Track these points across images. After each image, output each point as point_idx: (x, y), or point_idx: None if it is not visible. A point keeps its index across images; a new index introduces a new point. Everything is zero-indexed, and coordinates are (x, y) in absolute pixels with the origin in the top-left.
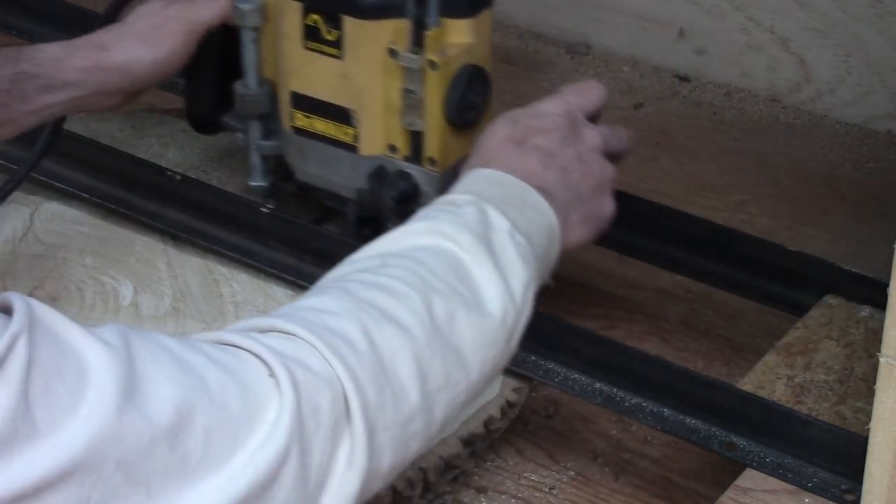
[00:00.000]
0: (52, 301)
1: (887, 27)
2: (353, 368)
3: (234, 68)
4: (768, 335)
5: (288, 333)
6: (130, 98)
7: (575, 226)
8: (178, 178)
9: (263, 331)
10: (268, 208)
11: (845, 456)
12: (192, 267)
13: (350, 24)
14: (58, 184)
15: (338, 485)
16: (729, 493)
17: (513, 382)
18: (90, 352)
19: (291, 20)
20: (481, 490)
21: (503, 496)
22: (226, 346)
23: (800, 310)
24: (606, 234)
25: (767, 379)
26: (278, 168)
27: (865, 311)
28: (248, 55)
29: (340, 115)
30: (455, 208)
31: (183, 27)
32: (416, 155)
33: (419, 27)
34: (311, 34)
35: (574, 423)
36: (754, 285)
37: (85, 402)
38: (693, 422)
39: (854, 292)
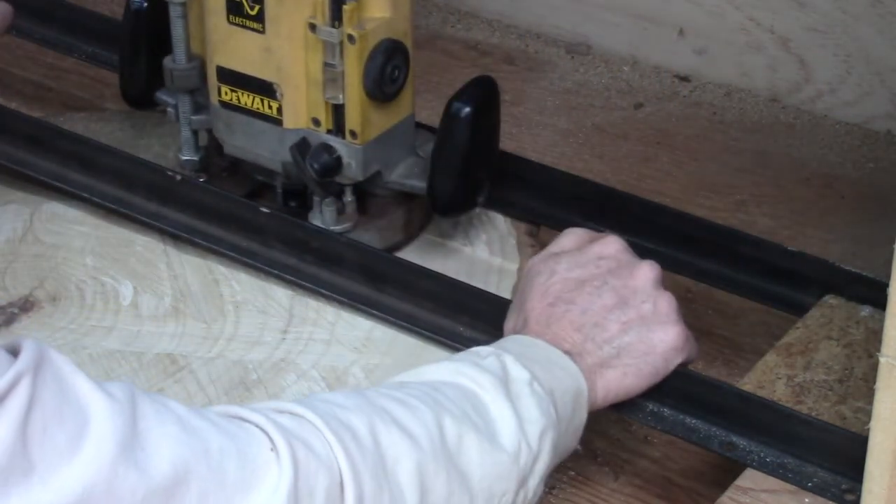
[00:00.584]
0: (52, 301)
1: (887, 27)
2: (353, 458)
3: (165, 44)
4: (768, 335)
5: (296, 415)
6: None
7: (617, 381)
8: (178, 178)
9: (273, 410)
10: (266, 208)
11: (845, 456)
12: (192, 267)
13: None
14: (58, 183)
15: None
16: (729, 493)
17: None
18: (94, 402)
19: None
20: None
21: None
22: (233, 418)
23: (800, 310)
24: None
25: (767, 379)
26: (211, 142)
27: (866, 310)
28: (177, 30)
29: (264, 88)
30: (477, 357)
31: None
32: (338, 128)
33: (338, 1)
34: (234, 9)
35: None
36: (754, 285)
37: (82, 450)
38: (693, 421)
39: (854, 292)
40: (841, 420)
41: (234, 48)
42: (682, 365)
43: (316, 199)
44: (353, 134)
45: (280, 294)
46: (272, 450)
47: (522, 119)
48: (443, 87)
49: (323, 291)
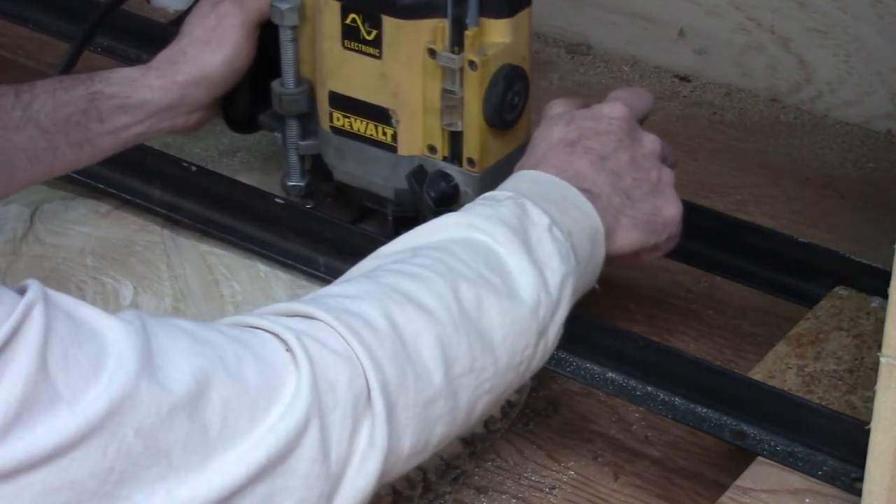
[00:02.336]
0: None
1: (887, 27)
2: (370, 347)
3: (269, 67)
4: (768, 336)
5: (306, 316)
6: (209, 113)
7: (626, 230)
8: (194, 168)
9: (282, 314)
10: (282, 199)
11: (855, 445)
12: (192, 267)
13: (389, 23)
14: (73, 174)
15: (360, 462)
16: (729, 493)
17: None
18: (107, 327)
19: (330, 20)
20: (481, 490)
21: (503, 496)
22: (242, 326)
23: (810, 301)
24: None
25: (778, 368)
26: (316, 168)
27: (876, 301)
28: (287, 54)
29: (379, 114)
30: (494, 202)
31: (239, 20)
32: (455, 155)
33: (458, 27)
34: (349, 34)
35: (574, 423)
36: (764, 277)
37: (105, 369)
38: (704, 411)
39: (865, 283)
40: (851, 409)
41: (349, 73)
42: (667, 244)
43: None
44: (470, 162)
45: (280, 294)
46: (287, 351)
47: None
48: None
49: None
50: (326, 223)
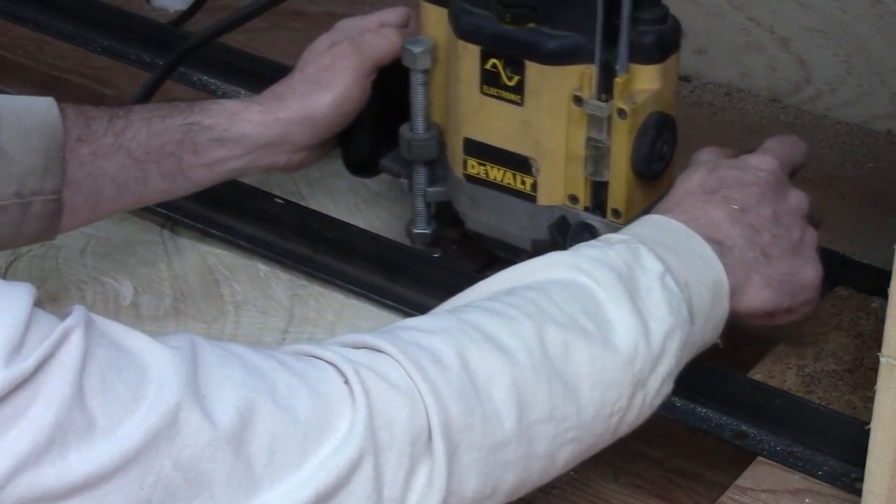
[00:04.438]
0: (53, 301)
1: (887, 27)
2: (435, 384)
3: (392, 110)
4: (768, 336)
5: (373, 349)
6: (315, 153)
7: (757, 288)
8: None
9: (351, 345)
10: (283, 199)
11: (855, 445)
12: (192, 267)
13: (533, 69)
14: None
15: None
16: (729, 493)
17: None
18: (151, 353)
19: (468, 64)
20: None
21: None
22: (302, 356)
23: None
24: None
25: (778, 369)
26: (441, 214)
27: (876, 302)
28: (417, 98)
29: (518, 163)
30: (605, 245)
31: (353, 62)
32: (598, 205)
33: (607, 73)
34: (489, 79)
35: None
36: None
37: (145, 398)
38: (704, 411)
39: (865, 284)
40: (851, 410)
41: (487, 120)
42: (802, 308)
43: None
44: (615, 213)
45: (280, 294)
46: (345, 383)
47: None
48: None
49: (336, 281)
50: (327, 222)
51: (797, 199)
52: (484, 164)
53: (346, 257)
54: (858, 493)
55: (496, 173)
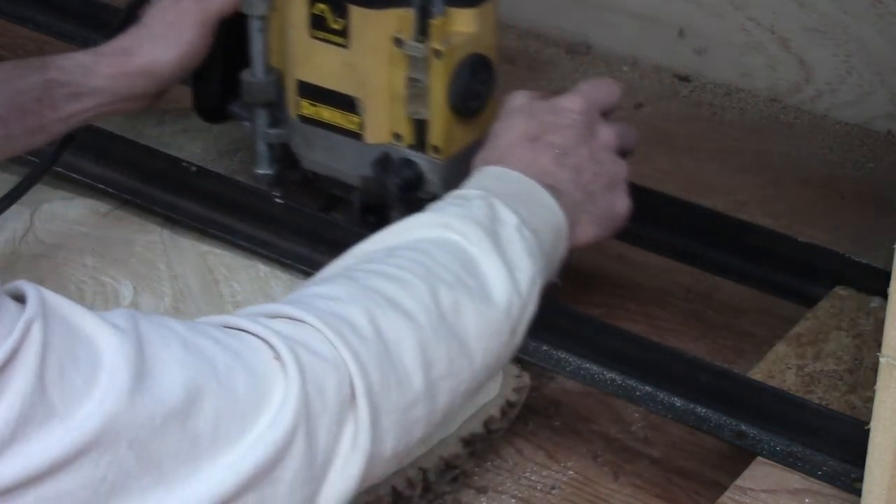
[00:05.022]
0: None
1: (887, 27)
2: (358, 353)
3: (240, 57)
4: (768, 336)
5: (295, 319)
6: (155, 99)
7: (585, 225)
8: (194, 168)
9: (271, 316)
10: (278, 198)
11: (855, 445)
12: (192, 267)
13: (356, 13)
14: (73, 174)
15: (342, 466)
16: (729, 493)
17: (513, 382)
18: (101, 337)
19: (298, 10)
20: (481, 490)
21: (503, 496)
22: (232, 330)
23: (810, 301)
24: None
25: (778, 368)
26: (284, 156)
27: (875, 301)
28: (256, 44)
29: (346, 103)
30: (464, 202)
31: (197, 19)
32: (420, 143)
33: (424, 16)
34: (317, 23)
35: (574, 423)
36: (764, 277)
37: (98, 384)
38: (704, 411)
39: (864, 283)
40: (850, 409)
41: (317, 63)
42: (613, 235)
43: (395, 214)
44: (435, 150)
45: (280, 294)
46: (276, 358)
47: None
48: None
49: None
50: (326, 223)
51: (607, 134)
52: (316, 106)
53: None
54: (858, 493)
55: (327, 114)
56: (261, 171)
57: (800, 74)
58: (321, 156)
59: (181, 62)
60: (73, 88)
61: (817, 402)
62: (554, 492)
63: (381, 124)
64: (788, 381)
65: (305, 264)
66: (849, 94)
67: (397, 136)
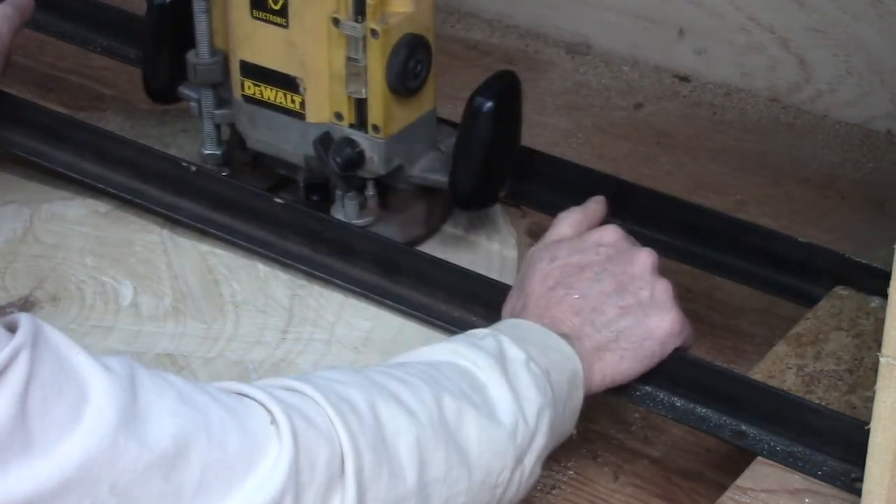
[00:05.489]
0: (53, 301)
1: (887, 27)
2: (353, 431)
3: (188, 39)
4: (768, 335)
5: (297, 391)
6: None
7: (613, 364)
8: (194, 168)
9: (273, 387)
10: (279, 198)
11: (855, 445)
12: (192, 267)
13: None
14: (73, 174)
15: None
16: (729, 493)
17: None
18: (92, 375)
19: None
20: None
21: None
22: (231, 393)
23: (810, 301)
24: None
25: (778, 368)
26: (233, 137)
27: (875, 301)
28: (200, 25)
29: (287, 83)
30: (474, 338)
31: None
32: (361, 122)
33: None
34: (257, 4)
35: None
36: (765, 276)
37: (82, 421)
38: (704, 411)
39: (864, 283)
40: (851, 409)
41: (258, 43)
42: (679, 350)
43: (338, 192)
44: (375, 128)
45: (280, 294)
46: (272, 423)
47: (523, 119)
48: (443, 87)
49: (336, 281)
50: (326, 223)
51: (641, 260)
52: (259, 85)
53: (346, 257)
54: (858, 492)
55: (269, 93)
56: (208, 152)
57: (800, 74)
58: (265, 135)
59: None
60: None
61: (817, 402)
62: (554, 492)
63: (322, 104)
64: (788, 381)
65: (305, 264)
66: (849, 94)
67: (338, 116)
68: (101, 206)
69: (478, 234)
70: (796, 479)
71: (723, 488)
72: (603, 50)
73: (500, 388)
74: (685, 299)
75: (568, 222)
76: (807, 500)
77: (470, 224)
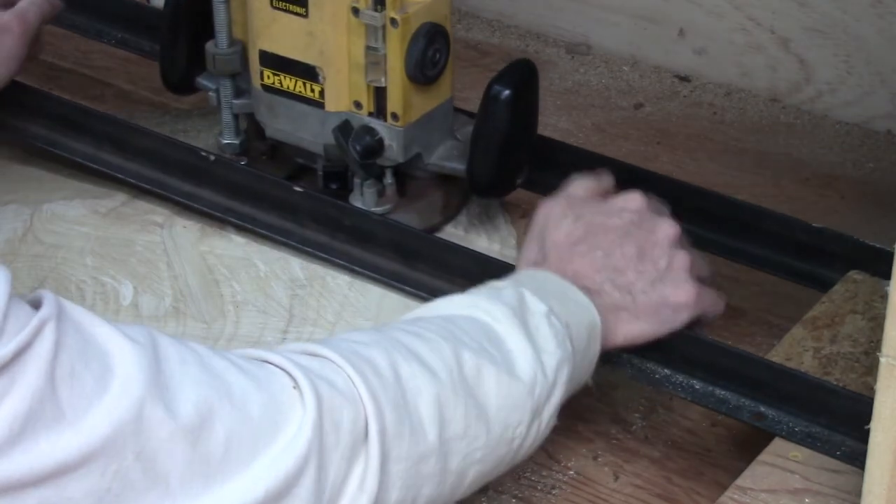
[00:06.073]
0: None
1: (887, 27)
2: (375, 392)
3: (204, 29)
4: (769, 335)
5: (317, 355)
6: None
7: (628, 323)
8: (212, 158)
9: (294, 351)
10: (298, 186)
11: None
12: (192, 267)
13: None
14: (92, 164)
15: None
16: (729, 493)
17: None
18: (117, 346)
19: None
20: (481, 490)
21: (503, 496)
22: (253, 360)
23: (825, 285)
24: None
25: (795, 351)
26: (251, 126)
27: (889, 285)
28: (219, 15)
29: (307, 72)
30: (494, 290)
31: (19, 30)
32: (379, 110)
33: None
34: None
35: (574, 423)
36: (780, 262)
37: (109, 390)
38: (723, 393)
39: (878, 267)
40: (868, 391)
41: (277, 32)
42: (698, 322)
43: (357, 181)
44: (394, 116)
45: (280, 294)
46: (295, 388)
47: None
48: None
49: (355, 268)
50: (345, 211)
51: (663, 230)
52: (278, 75)
53: (364, 244)
54: None
55: (289, 82)
56: (226, 141)
57: (800, 74)
58: (284, 124)
59: (2, 75)
60: None
61: (835, 383)
62: (554, 492)
63: (342, 92)
64: (806, 364)
65: (325, 251)
66: (849, 94)
67: (357, 104)
68: (102, 206)
69: (478, 235)
70: (796, 479)
71: (723, 488)
72: (603, 50)
73: (519, 342)
74: None
75: (583, 186)
76: (807, 500)
77: (470, 224)
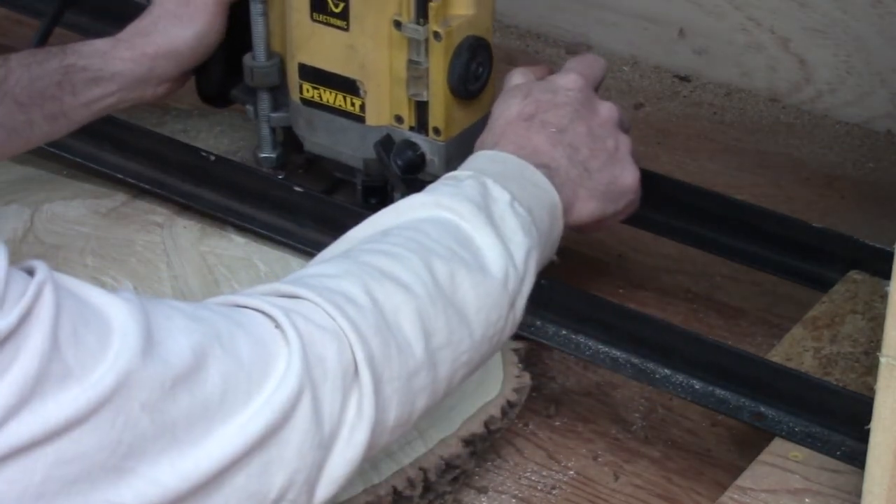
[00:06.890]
0: None
1: (887, 27)
2: (355, 322)
3: (241, 42)
4: (768, 335)
5: (292, 296)
6: (178, 84)
7: (584, 201)
8: (213, 158)
9: (268, 293)
10: (297, 186)
11: None
12: (192, 267)
13: None
14: (92, 164)
15: (349, 433)
16: (729, 493)
17: (513, 382)
18: (110, 305)
19: None
20: (481, 490)
21: (503, 496)
22: (231, 306)
23: (825, 285)
24: (636, 210)
25: (795, 351)
26: (287, 140)
27: (889, 285)
28: (257, 28)
29: (347, 85)
30: (456, 182)
31: None
32: (421, 125)
33: None
34: (318, 6)
35: (574, 423)
36: (780, 262)
37: (111, 345)
38: (723, 393)
39: (878, 267)
40: (868, 391)
41: (318, 46)
42: (627, 209)
43: (397, 195)
44: (436, 131)
45: None
46: (277, 328)
47: None
48: None
49: None
50: (345, 211)
51: (607, 110)
52: (317, 88)
53: None
54: None
55: (328, 96)
56: (264, 155)
57: (800, 74)
58: (323, 138)
59: (201, 39)
60: (93, 73)
61: (835, 383)
62: (554, 492)
63: (383, 106)
64: (806, 364)
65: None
66: (849, 94)
67: (398, 118)
68: (102, 206)
69: None
70: (796, 479)
71: (723, 488)
72: (603, 50)
73: (487, 238)
74: (685, 299)
75: (522, 73)
76: (807, 500)
77: None
